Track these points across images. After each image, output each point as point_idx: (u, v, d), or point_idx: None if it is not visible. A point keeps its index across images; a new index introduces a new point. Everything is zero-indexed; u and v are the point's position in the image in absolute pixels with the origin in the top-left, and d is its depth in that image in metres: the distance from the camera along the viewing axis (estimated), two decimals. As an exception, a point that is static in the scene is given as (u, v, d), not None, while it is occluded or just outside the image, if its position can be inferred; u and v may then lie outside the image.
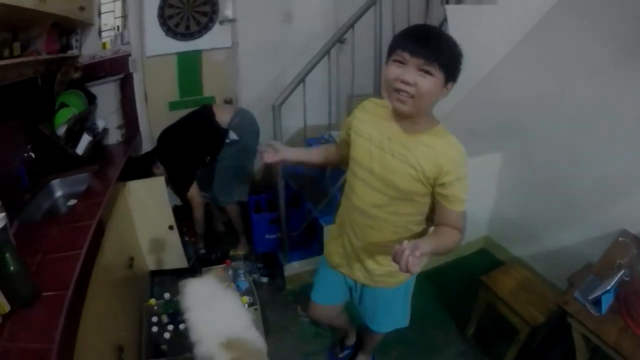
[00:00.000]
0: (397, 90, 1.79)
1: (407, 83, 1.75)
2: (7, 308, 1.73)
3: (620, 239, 2.88)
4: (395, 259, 1.64)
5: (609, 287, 2.27)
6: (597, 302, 2.28)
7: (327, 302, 2.64)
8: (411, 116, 1.88)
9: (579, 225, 3.41)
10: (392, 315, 2.50)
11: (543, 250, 3.71)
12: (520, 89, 2.97)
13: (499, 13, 2.40)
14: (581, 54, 2.77)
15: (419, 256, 1.62)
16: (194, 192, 4.11)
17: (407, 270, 1.60)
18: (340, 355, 3.22)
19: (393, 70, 1.79)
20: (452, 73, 1.80)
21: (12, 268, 1.74)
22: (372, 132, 2.04)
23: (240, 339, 2.23)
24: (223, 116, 4.02)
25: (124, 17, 4.27)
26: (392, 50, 1.83)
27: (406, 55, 1.74)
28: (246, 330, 2.31)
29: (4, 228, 1.76)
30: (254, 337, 2.31)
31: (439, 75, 1.75)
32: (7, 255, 1.73)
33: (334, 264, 2.45)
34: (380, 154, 2.00)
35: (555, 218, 3.64)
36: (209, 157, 4.16)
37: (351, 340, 3.23)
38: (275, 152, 2.24)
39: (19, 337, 1.65)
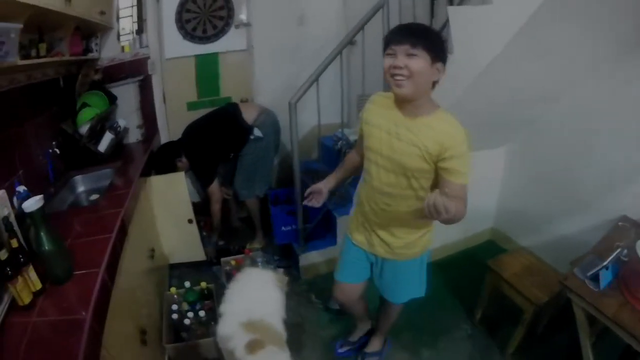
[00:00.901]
0: (393, 76, 2.02)
1: (399, 67, 1.98)
2: (39, 285, 1.86)
3: (620, 223, 2.96)
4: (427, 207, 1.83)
5: (606, 263, 2.37)
6: (595, 278, 2.37)
7: (352, 280, 2.80)
8: (412, 99, 2.08)
9: (582, 213, 3.48)
10: (410, 285, 2.67)
11: (548, 239, 3.78)
12: (523, 83, 3.05)
13: (496, 12, 2.52)
14: (580, 49, 2.86)
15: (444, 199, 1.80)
16: (214, 186, 4.25)
17: (435, 210, 1.80)
18: (340, 351, 3.33)
19: (386, 62, 2.05)
20: (437, 53, 2.00)
21: (46, 247, 1.87)
22: (380, 120, 2.26)
23: (262, 322, 2.37)
24: (249, 114, 4.18)
25: (143, 21, 4.41)
26: (384, 47, 2.09)
27: (394, 47, 2.00)
28: (270, 315, 2.47)
29: (41, 208, 1.87)
30: (276, 323, 2.47)
31: (424, 56, 1.96)
32: (42, 234, 1.87)
33: (357, 241, 2.66)
34: (388, 138, 2.21)
35: (559, 208, 3.72)
36: (232, 154, 4.30)
37: (356, 335, 3.33)
38: (319, 194, 2.63)
39: (49, 312, 1.78)
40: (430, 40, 1.99)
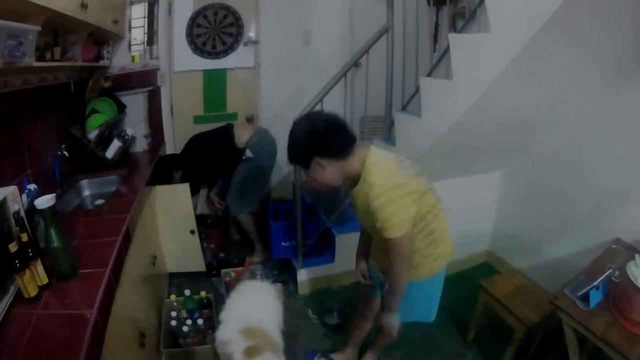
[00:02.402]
0: None
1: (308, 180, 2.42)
2: (45, 280, 1.90)
3: (613, 246, 3.01)
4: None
5: (597, 283, 2.44)
6: (585, 298, 2.43)
7: (376, 293, 2.90)
8: (336, 188, 2.42)
9: (576, 237, 3.53)
10: (414, 306, 2.67)
11: (542, 262, 3.83)
12: (517, 109, 3.13)
13: (494, 39, 2.59)
14: (573, 74, 2.94)
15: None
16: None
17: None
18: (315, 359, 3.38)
19: None
20: (303, 161, 2.28)
21: (55, 244, 1.91)
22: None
23: (261, 329, 2.42)
24: (242, 135, 4.28)
25: (154, 33, 4.49)
26: None
27: None
28: (268, 323, 2.50)
29: (53, 206, 1.92)
30: (274, 331, 2.51)
31: (305, 169, 2.32)
32: (52, 231, 1.91)
33: (371, 263, 2.83)
34: (357, 210, 2.45)
35: (553, 231, 3.77)
36: (221, 178, 4.58)
37: (338, 357, 3.36)
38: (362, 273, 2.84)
39: (54, 306, 1.81)
40: (294, 156, 2.31)
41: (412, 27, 3.82)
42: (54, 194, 1.96)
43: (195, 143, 4.36)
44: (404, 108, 3.92)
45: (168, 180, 4.10)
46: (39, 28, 2.15)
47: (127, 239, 2.58)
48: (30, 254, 1.81)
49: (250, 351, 2.25)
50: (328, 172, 2.23)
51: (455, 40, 2.94)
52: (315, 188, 2.43)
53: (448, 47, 3.09)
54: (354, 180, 2.31)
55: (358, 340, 3.28)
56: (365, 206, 2.22)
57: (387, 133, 3.93)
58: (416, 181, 2.26)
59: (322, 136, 2.17)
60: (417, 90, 3.57)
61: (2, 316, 1.66)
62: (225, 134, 4.32)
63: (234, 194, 4.42)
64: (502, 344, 3.21)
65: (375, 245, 2.69)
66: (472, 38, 2.89)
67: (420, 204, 2.24)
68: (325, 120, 2.22)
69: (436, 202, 2.39)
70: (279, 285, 3.04)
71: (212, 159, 4.29)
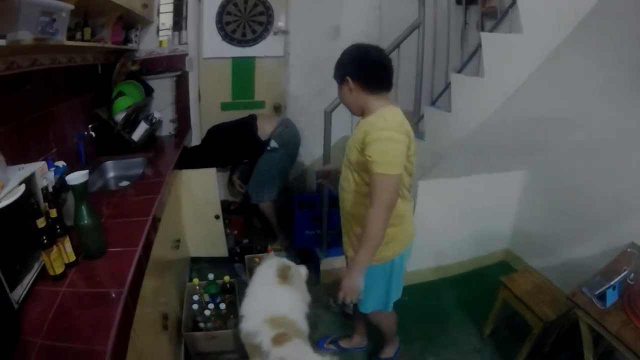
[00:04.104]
0: None
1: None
2: (72, 257, 1.88)
3: (628, 250, 2.99)
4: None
5: (613, 283, 2.46)
6: (602, 297, 2.46)
7: None
8: (354, 113, 2.51)
9: (592, 239, 3.50)
10: (373, 293, 2.65)
11: (558, 263, 3.78)
12: (543, 111, 3.09)
13: (526, 40, 2.58)
14: (600, 78, 2.88)
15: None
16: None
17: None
18: (325, 346, 3.40)
19: None
20: (338, 76, 2.44)
21: (85, 221, 1.90)
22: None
23: (286, 317, 2.43)
24: (267, 127, 4.30)
25: (183, 19, 4.49)
26: None
27: None
28: (293, 311, 2.51)
29: (84, 183, 1.90)
30: (299, 319, 2.52)
31: (338, 84, 2.46)
32: (83, 207, 1.90)
33: (344, 250, 2.87)
34: (349, 139, 2.50)
35: (571, 232, 3.74)
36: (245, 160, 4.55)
37: (346, 344, 3.39)
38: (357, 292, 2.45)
39: (80, 284, 1.80)
40: (335, 69, 2.46)
41: (441, 24, 3.83)
42: (86, 171, 1.93)
43: (215, 134, 4.38)
44: (433, 103, 3.88)
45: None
46: (72, 6, 2.15)
47: (156, 220, 2.56)
48: (59, 230, 1.80)
49: (279, 338, 2.26)
50: (353, 96, 2.38)
51: (488, 39, 2.92)
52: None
53: (479, 45, 3.11)
54: (365, 114, 2.42)
55: (362, 329, 3.34)
56: (360, 135, 2.29)
57: (415, 128, 3.89)
58: (414, 153, 2.33)
59: (364, 64, 2.33)
60: (447, 86, 3.55)
61: (24, 293, 1.65)
62: (247, 126, 4.33)
63: (256, 182, 4.42)
64: (518, 340, 3.24)
65: (346, 224, 2.70)
66: (504, 38, 2.86)
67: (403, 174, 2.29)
68: (376, 56, 2.35)
69: (410, 187, 2.49)
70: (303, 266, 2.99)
71: (233, 149, 4.32)
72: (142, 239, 2.13)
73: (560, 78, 2.73)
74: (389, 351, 3.23)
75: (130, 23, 3.91)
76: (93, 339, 1.45)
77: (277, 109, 5.21)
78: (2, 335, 1.38)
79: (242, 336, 2.49)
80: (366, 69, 2.32)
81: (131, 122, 3.84)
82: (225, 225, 4.40)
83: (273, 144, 4.23)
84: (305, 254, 4.47)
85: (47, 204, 1.81)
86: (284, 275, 2.67)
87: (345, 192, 2.53)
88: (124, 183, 3.39)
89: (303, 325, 2.52)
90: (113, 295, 1.69)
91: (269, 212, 4.58)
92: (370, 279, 2.51)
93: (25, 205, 1.73)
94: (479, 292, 3.91)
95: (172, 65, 4.49)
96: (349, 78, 2.33)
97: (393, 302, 2.75)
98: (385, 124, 2.20)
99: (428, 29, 3.63)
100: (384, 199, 2.17)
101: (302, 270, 2.84)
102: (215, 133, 4.37)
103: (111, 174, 3.65)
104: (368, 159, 2.18)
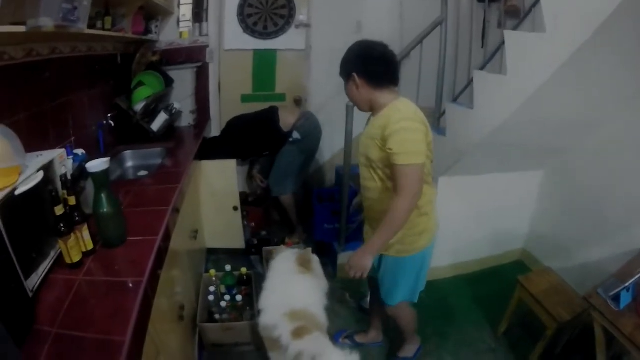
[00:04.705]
0: None
1: None
2: (90, 245, 1.87)
3: (642, 253, 2.99)
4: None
5: (627, 284, 2.47)
6: (616, 298, 2.47)
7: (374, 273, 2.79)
8: (362, 109, 2.54)
9: (608, 242, 3.46)
10: (404, 285, 2.66)
11: (573, 263, 3.74)
12: (563, 111, 3.07)
13: (549, 40, 2.54)
14: (620, 81, 2.86)
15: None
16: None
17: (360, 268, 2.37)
18: (341, 340, 3.38)
19: None
20: (344, 72, 2.46)
21: (105, 209, 1.89)
22: (365, 126, 2.58)
23: (305, 310, 2.43)
24: (289, 119, 4.27)
25: (203, 11, 4.49)
26: None
27: None
28: (313, 304, 2.53)
29: (106, 171, 1.89)
30: (319, 312, 2.53)
31: (345, 81, 2.48)
32: (103, 196, 1.89)
33: (364, 239, 2.86)
34: (362, 138, 2.52)
35: (587, 234, 3.70)
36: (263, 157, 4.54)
37: (362, 339, 3.39)
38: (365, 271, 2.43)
39: (98, 273, 1.79)
40: (341, 66, 2.48)
41: (463, 21, 3.85)
42: (107, 158, 1.91)
43: (236, 125, 4.35)
44: (454, 100, 3.86)
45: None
46: (94, -6, 2.15)
47: (175, 210, 2.56)
48: (77, 218, 1.78)
49: (298, 332, 2.26)
50: (360, 92, 2.41)
51: (511, 37, 2.91)
52: None
53: (502, 43, 3.14)
54: (375, 110, 2.45)
55: (378, 324, 3.34)
56: (377, 131, 2.30)
57: (436, 124, 3.86)
58: (431, 141, 2.37)
59: (370, 60, 2.36)
60: (469, 83, 3.54)
61: (39, 281, 1.63)
62: (269, 117, 4.30)
63: (277, 175, 4.42)
64: (531, 340, 3.29)
65: (369, 211, 2.69)
66: (528, 37, 2.83)
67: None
68: (381, 52, 2.37)
69: (429, 172, 2.48)
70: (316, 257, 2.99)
71: (255, 140, 4.28)
72: (162, 229, 2.12)
73: (579, 79, 2.71)
74: (408, 350, 3.20)
75: (151, 14, 3.91)
76: (111, 329, 1.43)
77: (298, 102, 5.19)
78: (15, 324, 1.35)
79: (260, 329, 2.50)
80: (371, 65, 2.36)
81: (151, 112, 3.85)
82: (243, 217, 4.38)
83: (295, 135, 4.21)
84: (322, 247, 4.44)
85: (65, 191, 1.79)
86: (304, 264, 2.72)
87: (371, 191, 2.52)
88: (143, 173, 3.39)
89: (322, 318, 2.53)
90: (131, 284, 1.67)
91: (289, 205, 4.57)
92: (402, 271, 2.59)
93: (43, 193, 1.72)
94: (494, 291, 3.89)
95: (192, 56, 4.50)
96: (355, 74, 2.37)
97: (419, 293, 2.77)
98: (401, 115, 2.24)
99: (450, 26, 3.60)
100: (410, 189, 2.17)
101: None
102: (236, 124, 4.35)
103: (130, 164, 3.65)
104: (389, 152, 2.18)
